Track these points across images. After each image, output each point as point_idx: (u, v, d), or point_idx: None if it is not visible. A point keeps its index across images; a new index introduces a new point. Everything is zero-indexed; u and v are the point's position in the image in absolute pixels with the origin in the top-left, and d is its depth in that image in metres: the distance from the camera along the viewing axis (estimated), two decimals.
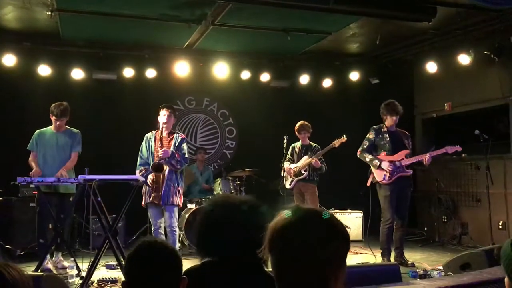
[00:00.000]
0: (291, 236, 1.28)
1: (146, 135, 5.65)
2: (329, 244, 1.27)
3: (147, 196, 5.49)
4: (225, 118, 9.41)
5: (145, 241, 1.82)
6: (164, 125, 5.50)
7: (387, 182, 5.84)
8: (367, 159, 5.96)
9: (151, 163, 5.47)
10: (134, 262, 1.76)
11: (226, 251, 1.83)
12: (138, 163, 5.59)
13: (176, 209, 5.57)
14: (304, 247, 1.26)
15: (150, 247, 1.78)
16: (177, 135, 5.63)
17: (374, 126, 6.09)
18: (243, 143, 9.33)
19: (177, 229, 5.56)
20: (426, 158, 5.85)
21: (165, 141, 5.53)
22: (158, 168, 5.37)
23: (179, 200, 5.55)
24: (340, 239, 1.30)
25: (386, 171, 5.82)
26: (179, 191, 5.54)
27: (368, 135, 6.08)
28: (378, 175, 5.89)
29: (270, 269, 1.74)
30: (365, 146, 6.04)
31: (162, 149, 5.40)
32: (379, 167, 5.86)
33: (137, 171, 5.53)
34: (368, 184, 6.06)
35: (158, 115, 5.60)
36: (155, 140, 5.56)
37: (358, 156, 6.07)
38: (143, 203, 5.60)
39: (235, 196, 1.81)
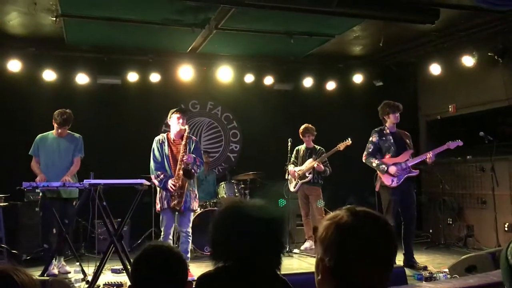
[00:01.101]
0: (355, 237, 1.31)
1: (157, 138, 5.53)
2: (391, 244, 1.34)
3: (165, 202, 5.36)
4: (229, 122, 9.43)
5: (150, 245, 1.83)
6: (184, 128, 5.43)
7: (396, 185, 5.81)
8: (374, 164, 5.89)
9: (166, 167, 5.42)
10: (140, 266, 1.77)
11: (240, 256, 1.83)
12: (152, 167, 5.43)
13: (192, 214, 5.56)
14: (368, 247, 1.30)
15: (155, 251, 1.80)
16: (191, 139, 5.56)
17: (376, 129, 6.04)
18: (247, 146, 9.33)
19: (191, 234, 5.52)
20: (429, 156, 5.84)
21: (180, 145, 5.44)
22: (189, 174, 5.34)
23: (196, 205, 5.57)
24: (393, 240, 1.36)
25: (395, 176, 5.80)
26: (196, 195, 5.55)
27: (371, 138, 6.02)
28: (386, 179, 5.84)
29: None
30: (370, 150, 5.97)
31: (187, 155, 5.34)
32: (386, 172, 5.83)
33: (152, 176, 5.41)
34: (377, 189, 6.01)
35: (169, 118, 5.53)
36: (169, 144, 5.47)
37: (364, 161, 6.00)
38: (158, 209, 5.46)
39: (247, 200, 1.84)
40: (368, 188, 7.38)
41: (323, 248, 1.35)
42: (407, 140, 6.05)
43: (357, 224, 1.33)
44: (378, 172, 5.94)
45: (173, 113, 5.51)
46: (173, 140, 5.51)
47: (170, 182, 5.30)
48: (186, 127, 5.47)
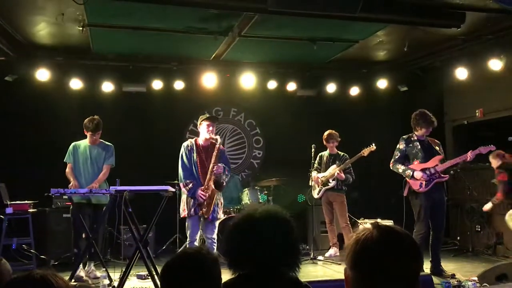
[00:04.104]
0: (381, 252, 1.34)
1: (185, 144, 5.52)
2: (417, 260, 1.38)
3: (192, 209, 5.34)
4: (252, 128, 9.45)
5: (185, 251, 1.86)
6: (215, 138, 5.44)
7: (424, 190, 5.74)
8: (400, 170, 5.86)
9: (195, 174, 5.41)
10: (170, 271, 1.79)
11: (256, 263, 1.85)
12: (181, 175, 5.43)
13: (218, 222, 5.59)
14: (395, 263, 1.32)
15: (187, 256, 1.81)
16: (220, 147, 5.51)
17: (403, 136, 6.00)
18: (270, 153, 9.33)
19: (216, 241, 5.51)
20: (461, 160, 5.78)
21: (208, 152, 5.45)
22: (220, 186, 5.36)
23: (221, 212, 5.59)
24: (415, 257, 1.39)
25: (421, 180, 5.73)
26: (222, 203, 5.57)
27: (398, 145, 5.98)
28: (414, 184, 5.78)
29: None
30: (396, 157, 5.95)
31: (217, 166, 5.33)
32: (412, 177, 5.77)
33: (181, 184, 5.42)
34: (405, 194, 5.93)
35: (199, 124, 5.54)
36: (197, 151, 5.45)
37: (391, 167, 5.97)
38: (184, 215, 5.44)
39: (263, 208, 1.88)
40: (392, 194, 7.31)
41: (345, 258, 1.42)
42: (437, 147, 5.96)
43: (376, 239, 1.36)
44: (405, 177, 5.88)
45: (203, 120, 5.49)
46: (202, 146, 5.50)
47: (200, 192, 5.31)
48: (218, 137, 5.46)
